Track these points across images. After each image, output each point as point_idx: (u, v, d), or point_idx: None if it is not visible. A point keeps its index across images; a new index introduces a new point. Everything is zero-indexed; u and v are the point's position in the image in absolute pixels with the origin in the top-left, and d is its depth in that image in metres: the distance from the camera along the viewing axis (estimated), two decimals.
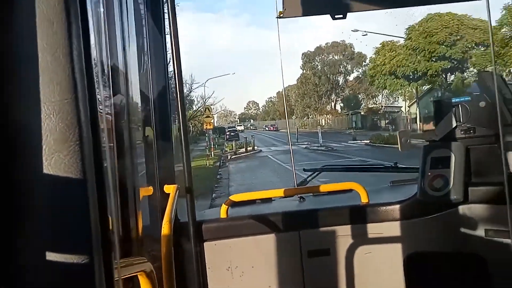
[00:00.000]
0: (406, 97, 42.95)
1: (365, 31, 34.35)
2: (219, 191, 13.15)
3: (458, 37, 29.81)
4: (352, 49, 69.92)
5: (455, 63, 30.20)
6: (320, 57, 72.02)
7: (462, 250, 2.13)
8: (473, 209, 2.07)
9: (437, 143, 2.15)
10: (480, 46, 30.04)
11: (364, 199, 2.31)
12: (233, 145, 28.95)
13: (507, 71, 27.74)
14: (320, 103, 72.01)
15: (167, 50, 2.14)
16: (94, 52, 0.63)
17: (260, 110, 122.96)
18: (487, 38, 29.18)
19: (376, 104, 61.97)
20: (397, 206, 2.23)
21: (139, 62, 1.94)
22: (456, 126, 2.11)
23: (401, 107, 48.45)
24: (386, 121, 47.39)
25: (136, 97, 1.87)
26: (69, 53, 0.56)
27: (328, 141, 29.65)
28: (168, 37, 1.98)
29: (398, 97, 62.56)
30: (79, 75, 0.57)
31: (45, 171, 0.54)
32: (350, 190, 2.51)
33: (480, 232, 2.06)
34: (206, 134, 27.10)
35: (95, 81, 0.64)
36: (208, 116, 25.71)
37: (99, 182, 0.59)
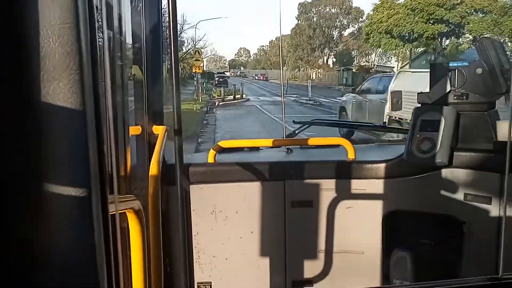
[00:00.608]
0: (399, 58, 42.71)
1: None
2: (205, 136, 13.15)
3: (458, 1, 29.27)
4: (350, 3, 68.50)
5: (452, 27, 29.83)
6: (316, 9, 70.35)
7: (440, 211, 2.18)
8: (455, 173, 2.10)
9: (429, 106, 2.15)
10: (478, 12, 29.63)
11: (351, 156, 2.33)
12: (221, 92, 28.67)
13: (502, 40, 27.60)
14: (312, 56, 71.15)
15: None
16: None
17: (251, 58, 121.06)
18: (486, 4, 28.79)
19: (369, 62, 61.68)
20: (383, 165, 2.27)
21: None
22: (450, 91, 2.10)
23: (393, 67, 48.27)
24: None
25: (128, 34, 1.84)
26: None
27: (317, 96, 29.52)
28: None
29: (392, 57, 62.31)
30: None
31: (43, 99, 0.52)
32: (338, 146, 2.54)
33: (459, 195, 2.10)
34: (195, 78, 26.69)
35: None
36: (197, 60, 25.16)
37: (97, 114, 0.56)
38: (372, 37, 33.31)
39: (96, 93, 0.57)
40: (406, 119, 9.62)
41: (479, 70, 2.04)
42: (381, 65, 55.24)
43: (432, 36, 29.90)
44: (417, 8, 29.73)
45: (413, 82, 9.39)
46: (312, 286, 2.37)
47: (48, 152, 0.52)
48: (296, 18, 71.75)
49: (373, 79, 13.82)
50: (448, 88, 2.10)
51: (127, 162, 1.61)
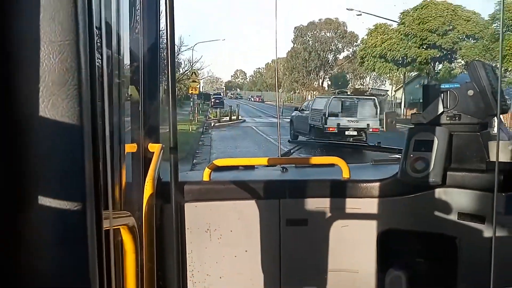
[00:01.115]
0: (393, 82, 43.16)
1: (359, 11, 34.20)
2: (200, 157, 13.23)
3: (450, 27, 30.01)
4: (345, 27, 69.24)
5: (444, 52, 30.50)
6: (312, 33, 71.08)
7: (434, 230, 2.20)
8: (449, 192, 2.13)
9: (422, 127, 2.19)
10: (470, 39, 30.35)
11: (345, 175, 2.36)
12: (217, 113, 28.87)
13: (494, 65, 27.96)
14: (308, 79, 71.59)
15: (160, 8, 2.15)
16: None
17: (248, 79, 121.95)
18: (478, 31, 29.50)
19: (363, 85, 61.99)
20: (377, 184, 2.29)
21: (131, 18, 1.92)
22: (442, 112, 2.15)
23: (387, 91, 48.68)
24: None
25: (126, 54, 1.86)
26: None
27: None
28: None
29: (386, 81, 62.85)
30: (82, 16, 0.55)
31: (41, 113, 0.53)
32: (333, 165, 2.54)
33: (453, 215, 2.12)
34: (191, 99, 26.90)
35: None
36: (194, 81, 25.46)
37: (94, 130, 0.58)
38: (367, 61, 33.98)
39: (93, 109, 0.58)
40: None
41: (470, 92, 2.08)
42: (375, 88, 55.56)
43: (425, 60, 30.56)
44: (410, 34, 30.45)
45: (333, 104, 16.21)
46: None
47: (44, 166, 0.53)
48: (292, 41, 72.34)
49: (308, 101, 20.37)
50: (441, 109, 2.14)
51: (122, 179, 1.61)
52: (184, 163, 11.06)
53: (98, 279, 0.58)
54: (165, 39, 1.61)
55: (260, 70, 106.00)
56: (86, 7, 0.55)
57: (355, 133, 16.24)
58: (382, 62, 32.92)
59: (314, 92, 69.28)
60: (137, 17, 2.05)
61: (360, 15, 34.01)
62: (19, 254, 0.53)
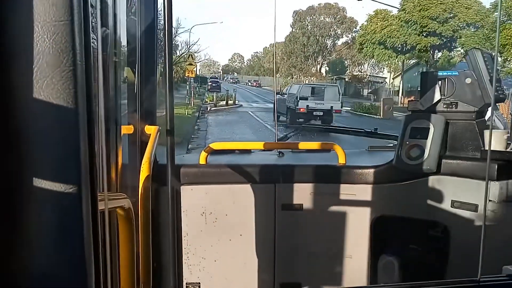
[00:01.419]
0: (392, 69, 43.03)
1: None
2: (196, 142, 13.13)
3: (451, 15, 29.68)
4: (345, 13, 68.73)
5: (444, 40, 30.25)
6: (311, 17, 70.50)
7: (427, 217, 2.22)
8: (443, 180, 2.14)
9: (419, 114, 2.20)
10: (470, 27, 30.06)
11: (341, 160, 2.36)
12: (214, 97, 28.64)
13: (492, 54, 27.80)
14: (306, 64, 71.22)
15: None
16: None
17: (245, 63, 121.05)
18: (479, 19, 29.21)
19: (361, 72, 62.03)
20: (372, 170, 2.29)
21: None
22: (440, 99, 2.15)
23: (386, 78, 48.55)
24: (369, 90, 47.52)
25: (123, 35, 1.84)
26: None
27: None
28: None
29: (384, 68, 62.59)
30: None
31: (35, 95, 0.52)
32: (329, 150, 2.57)
33: (446, 202, 2.13)
34: (188, 82, 26.62)
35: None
36: (190, 64, 25.15)
37: (89, 112, 0.57)
38: (366, 47, 33.64)
39: (88, 90, 0.57)
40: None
41: (468, 80, 2.09)
42: (373, 75, 55.73)
43: (424, 48, 30.30)
44: (411, 20, 30.11)
45: (304, 90, 19.22)
46: None
47: (38, 147, 0.53)
48: (291, 26, 71.80)
49: (287, 87, 22.88)
50: (438, 97, 2.14)
51: (119, 161, 1.60)
52: (179, 148, 10.94)
53: (93, 261, 0.58)
54: (162, 21, 1.57)
55: (258, 54, 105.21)
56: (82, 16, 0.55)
57: (321, 113, 19.07)
58: (381, 49, 32.63)
59: (312, 78, 69.09)
60: None
61: (361, 0, 33.57)
62: (16, 236, 0.53)
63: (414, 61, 36.31)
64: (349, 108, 27.88)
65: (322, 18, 69.66)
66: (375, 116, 21.91)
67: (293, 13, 71.05)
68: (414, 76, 38.53)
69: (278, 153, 2.62)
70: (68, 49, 0.53)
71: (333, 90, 20.45)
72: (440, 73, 2.20)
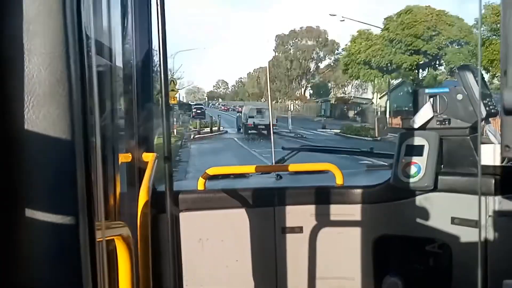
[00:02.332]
0: (376, 89, 42.99)
1: (342, 17, 33.40)
2: (175, 177, 11.83)
3: (435, 33, 29.33)
4: (326, 35, 69.57)
5: (430, 58, 29.79)
6: (293, 41, 71.16)
7: (427, 235, 2.21)
8: (441, 197, 2.15)
9: (413, 132, 2.22)
10: (454, 44, 29.73)
11: (339, 181, 2.37)
12: (197, 124, 27.66)
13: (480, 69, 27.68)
14: (290, 88, 71.40)
15: (152, 18, 2.15)
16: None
17: (230, 90, 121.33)
18: (463, 36, 28.97)
19: (345, 94, 62.22)
20: (370, 190, 2.31)
21: (123, 28, 1.90)
22: (432, 117, 2.17)
23: (370, 99, 48.36)
24: (355, 112, 47.22)
25: (119, 63, 1.84)
26: (62, 3, 0.54)
27: (297, 128, 28.72)
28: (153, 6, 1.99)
29: (367, 89, 62.97)
30: (71, 27, 0.55)
31: (32, 124, 0.53)
32: (327, 172, 2.56)
33: (446, 219, 2.13)
34: (172, 110, 25.57)
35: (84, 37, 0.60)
36: (172, 90, 24.10)
37: (85, 141, 0.57)
38: (351, 68, 33.04)
39: (85, 120, 0.57)
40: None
41: (459, 96, 2.12)
42: (357, 97, 55.73)
43: (410, 67, 29.76)
44: (395, 39, 29.69)
45: (252, 110, 26.94)
46: None
47: (35, 178, 0.53)
48: (274, 50, 72.35)
49: (243, 108, 30.29)
50: (431, 114, 2.17)
51: (117, 189, 1.61)
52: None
53: None
54: (156, 47, 1.73)
55: (242, 79, 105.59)
56: (75, 18, 0.56)
57: (263, 126, 24.79)
58: (367, 69, 32.07)
59: (297, 102, 69.04)
60: (129, 25, 2.03)
61: (343, 20, 33.22)
62: (13, 268, 0.53)
63: (399, 80, 35.93)
64: (338, 131, 27.01)
65: (304, 42, 70.44)
66: (366, 138, 21.04)
67: (276, 37, 71.89)
68: (400, 96, 38.22)
69: (276, 176, 2.61)
70: (64, 79, 0.53)
71: (268, 111, 24.70)
72: (431, 90, 2.22)
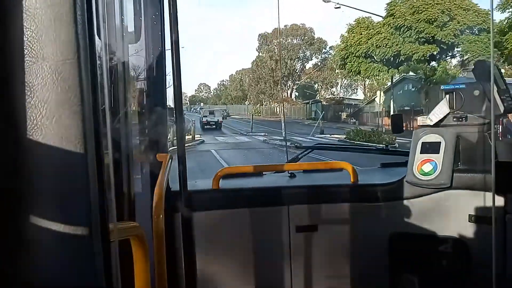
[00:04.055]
0: (366, 90, 39.29)
1: (338, 3, 28.61)
2: None
3: (450, 18, 24.68)
4: (313, 33, 65.66)
5: (445, 47, 25.09)
6: (278, 40, 66.77)
7: (444, 233, 2.20)
8: (458, 194, 2.14)
9: (428, 129, 2.22)
10: (472, 31, 25.13)
11: (353, 179, 2.41)
12: (171, 133, 22.54)
13: (501, 61, 23.46)
14: (275, 90, 67.30)
15: (164, 18, 2.14)
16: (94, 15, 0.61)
17: (212, 93, 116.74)
18: (480, 21, 24.49)
19: (334, 95, 58.50)
20: (385, 188, 2.35)
21: (136, 28, 1.94)
22: (449, 113, 2.18)
23: (361, 100, 44.17)
24: (348, 113, 43.00)
25: (132, 66, 1.91)
26: (73, 11, 0.55)
27: (288, 133, 23.74)
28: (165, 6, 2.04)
29: (357, 89, 59.19)
30: (82, 35, 0.56)
31: (45, 131, 0.54)
32: (341, 169, 2.59)
33: (463, 217, 2.12)
34: None
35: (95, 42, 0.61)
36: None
37: (97, 145, 0.58)
38: (349, 62, 28.15)
39: (96, 123, 0.58)
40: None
41: (476, 92, 2.10)
42: (350, 98, 52.41)
43: (423, 58, 24.96)
44: (403, 26, 24.95)
45: (206, 111, 37.19)
46: None
47: (49, 182, 0.54)
48: (257, 50, 68.24)
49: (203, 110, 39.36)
50: (447, 111, 2.17)
51: (131, 189, 1.65)
52: None
53: None
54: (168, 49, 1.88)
55: (224, 82, 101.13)
56: (86, 25, 0.57)
57: (213, 122, 32.91)
58: (369, 63, 27.27)
59: (283, 104, 64.88)
60: (141, 27, 2.05)
61: (339, 7, 28.42)
62: (26, 273, 0.54)
63: (401, 76, 31.42)
64: (342, 136, 22.15)
65: (289, 40, 66.10)
66: (379, 145, 16.14)
67: (259, 36, 67.69)
68: (401, 94, 33.77)
69: (290, 175, 2.63)
70: (75, 86, 0.54)
71: (220, 111, 36.10)
72: (447, 87, 2.21)
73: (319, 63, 65.66)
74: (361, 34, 27.24)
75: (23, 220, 0.52)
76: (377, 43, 25.88)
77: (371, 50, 26.41)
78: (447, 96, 2.12)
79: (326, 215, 2.30)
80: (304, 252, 2.28)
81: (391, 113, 29.25)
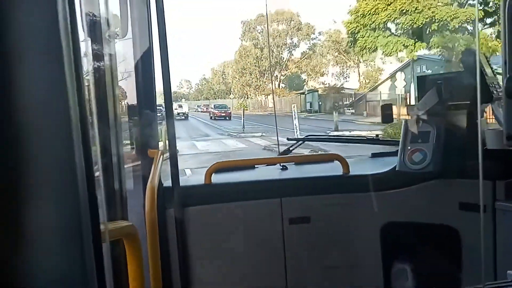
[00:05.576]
0: (361, 77, 33.97)
1: None
2: None
3: None
4: (299, 18, 60.09)
5: (492, 9, 19.28)
6: (262, 26, 61.31)
7: (436, 221, 2.24)
8: (449, 183, 2.18)
9: (418, 118, 2.21)
10: None
11: (345, 170, 2.43)
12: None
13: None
14: (261, 81, 61.73)
15: (151, 13, 2.12)
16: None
17: (193, 88, 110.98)
18: None
19: (324, 85, 54.50)
20: (376, 177, 2.36)
21: (123, 28, 1.92)
22: (438, 102, 2.16)
23: (354, 89, 41.74)
24: (347, 103, 37.60)
25: (119, 61, 1.90)
26: (54, 7, 0.53)
27: (287, 130, 17.77)
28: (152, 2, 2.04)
29: (348, 77, 54.21)
30: (64, 30, 0.54)
31: (31, 128, 0.53)
32: (332, 161, 2.59)
33: (454, 205, 2.16)
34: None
35: (79, 32, 0.60)
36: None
37: (85, 143, 0.57)
38: (362, 38, 22.27)
39: (84, 121, 0.57)
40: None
41: (465, 81, 2.08)
42: (345, 88, 48.10)
43: (465, 22, 19.07)
44: None
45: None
46: None
47: (34, 181, 0.53)
48: (240, 38, 62.51)
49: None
50: (436, 99, 2.15)
51: (123, 188, 1.67)
52: None
53: None
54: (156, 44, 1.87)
55: (206, 77, 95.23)
56: (68, 20, 0.56)
57: (182, 114, 39.53)
58: (389, 37, 21.36)
59: (270, 96, 59.57)
60: (128, 24, 2.03)
61: None
62: (15, 273, 0.52)
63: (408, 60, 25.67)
64: (377, 133, 16.32)
65: (274, 26, 60.44)
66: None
67: (241, 23, 61.86)
68: (409, 78, 28.35)
69: (281, 167, 2.64)
70: (61, 82, 0.53)
71: (187, 105, 45.56)
72: (436, 75, 2.26)
73: (307, 50, 60.14)
74: (376, 0, 21.30)
75: (9, 215, 0.51)
76: (402, 7, 19.90)
77: (393, 19, 20.50)
78: (436, 85, 2.13)
79: (319, 206, 2.34)
80: (298, 244, 2.34)
81: (411, 101, 23.71)
